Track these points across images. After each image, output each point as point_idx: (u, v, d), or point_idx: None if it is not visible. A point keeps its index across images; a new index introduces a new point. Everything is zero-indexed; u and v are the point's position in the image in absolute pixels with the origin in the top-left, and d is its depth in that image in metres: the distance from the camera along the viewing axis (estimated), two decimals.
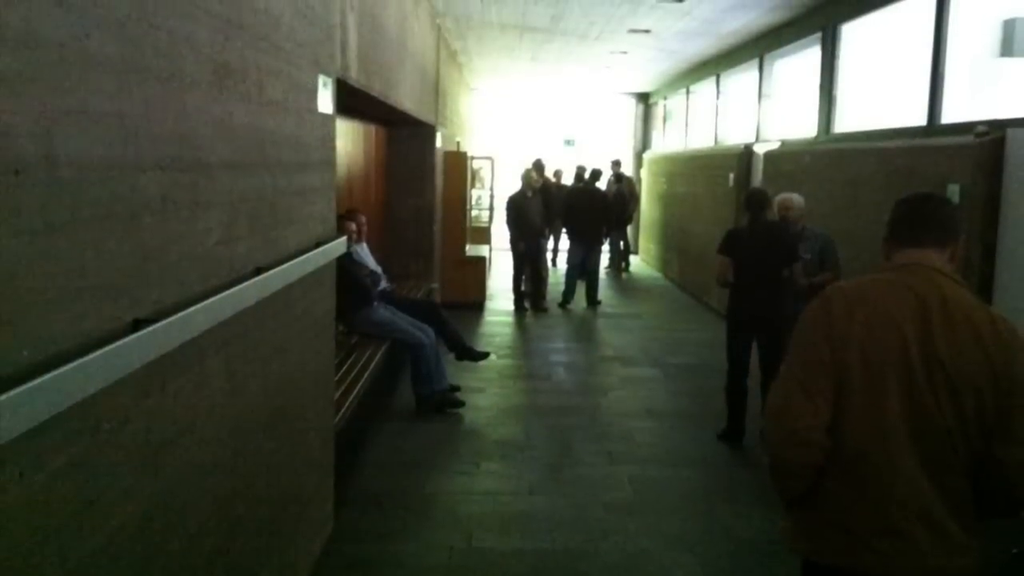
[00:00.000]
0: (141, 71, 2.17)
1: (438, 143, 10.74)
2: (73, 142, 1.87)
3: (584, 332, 11.06)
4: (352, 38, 5.14)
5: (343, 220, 6.70)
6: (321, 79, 4.14)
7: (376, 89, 6.10)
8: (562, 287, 12.84)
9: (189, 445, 2.57)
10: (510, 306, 12.41)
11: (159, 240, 2.31)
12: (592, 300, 12.75)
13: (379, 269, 7.62)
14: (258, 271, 3.10)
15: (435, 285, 10.75)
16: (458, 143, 14.20)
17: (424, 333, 7.17)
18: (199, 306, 2.43)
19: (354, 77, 5.20)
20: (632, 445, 6.56)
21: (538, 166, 12.82)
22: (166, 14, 2.31)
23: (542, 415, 7.26)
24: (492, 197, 15.29)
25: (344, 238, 4.50)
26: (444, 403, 7.26)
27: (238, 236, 2.97)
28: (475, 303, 12.23)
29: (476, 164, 14.80)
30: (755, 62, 11.59)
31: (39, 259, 1.76)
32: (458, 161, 12.13)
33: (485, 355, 8.12)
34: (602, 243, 13.27)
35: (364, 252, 7.49)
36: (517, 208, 12.03)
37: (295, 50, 3.67)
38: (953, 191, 5.85)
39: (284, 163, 3.52)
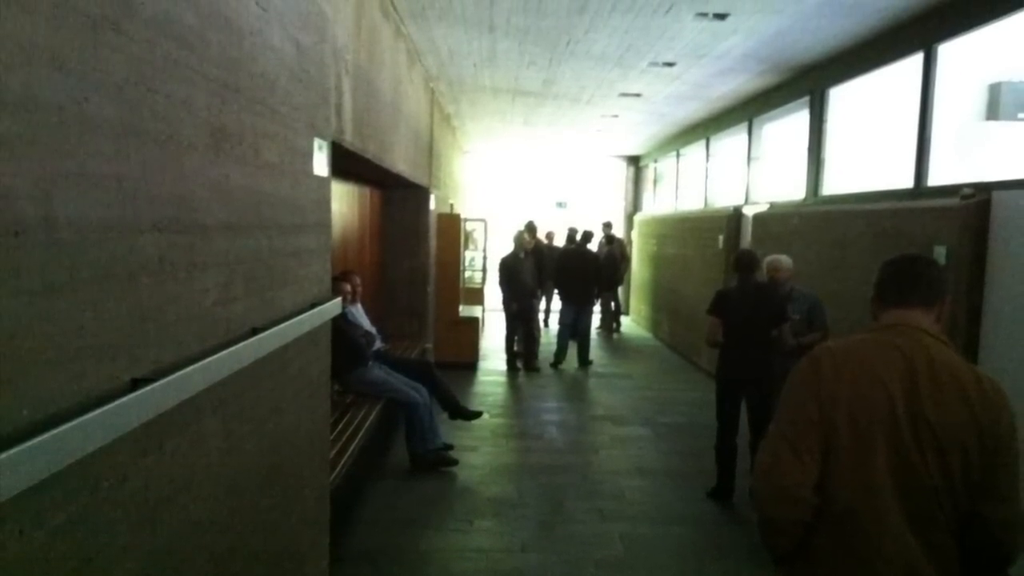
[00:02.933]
0: (139, 134, 2.22)
1: (432, 205, 10.84)
2: (72, 204, 1.91)
3: (575, 392, 11.06)
4: (347, 101, 5.23)
5: (338, 281, 6.74)
6: (316, 142, 4.21)
7: (371, 152, 6.19)
8: (554, 347, 12.86)
9: (186, 503, 2.58)
10: (503, 366, 12.42)
11: (157, 300, 2.35)
12: (583, 360, 12.77)
13: (373, 329, 7.65)
14: (254, 331, 3.13)
15: (429, 345, 10.76)
16: (451, 205, 14.32)
17: (418, 392, 7.18)
18: (196, 366, 2.45)
19: (349, 140, 5.28)
20: (623, 503, 6.55)
21: (530, 228, 12.93)
22: (164, 78, 2.36)
23: (534, 473, 7.24)
24: (485, 258, 15.38)
25: (339, 299, 4.54)
26: (438, 461, 7.26)
27: (234, 297, 3.01)
28: (468, 363, 12.25)
29: (469, 226, 14.90)
30: (744, 125, 11.76)
31: (39, 319, 1.79)
32: (451, 223, 12.22)
33: (478, 414, 8.12)
34: (593, 304, 13.32)
35: (359, 313, 7.52)
36: (509, 269, 12.10)
37: (291, 113, 3.74)
38: (939, 252, 5.92)
39: (280, 225, 3.57)
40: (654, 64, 9.27)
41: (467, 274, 14.43)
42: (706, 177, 13.95)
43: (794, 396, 2.58)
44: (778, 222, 9.66)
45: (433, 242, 11.26)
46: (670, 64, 9.23)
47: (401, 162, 8.06)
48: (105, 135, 2.05)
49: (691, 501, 6.64)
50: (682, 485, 7.03)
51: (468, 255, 14.66)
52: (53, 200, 1.83)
